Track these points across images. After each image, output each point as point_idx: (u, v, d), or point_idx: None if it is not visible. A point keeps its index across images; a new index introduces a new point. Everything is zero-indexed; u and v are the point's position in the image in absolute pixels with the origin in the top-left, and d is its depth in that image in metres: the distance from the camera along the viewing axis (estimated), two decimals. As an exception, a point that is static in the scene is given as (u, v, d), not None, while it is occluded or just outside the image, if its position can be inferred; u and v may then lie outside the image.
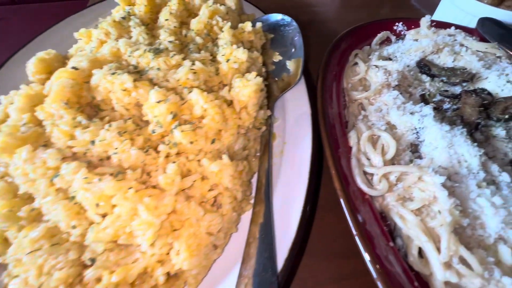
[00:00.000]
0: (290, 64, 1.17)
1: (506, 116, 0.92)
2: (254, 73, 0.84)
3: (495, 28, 1.32)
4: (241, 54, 0.93)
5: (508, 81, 1.01)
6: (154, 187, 0.65)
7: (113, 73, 0.80)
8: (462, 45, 1.19)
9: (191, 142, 0.70)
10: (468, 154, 0.82)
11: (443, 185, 0.76)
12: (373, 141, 0.91)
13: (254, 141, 0.92)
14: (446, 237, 0.66)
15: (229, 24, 1.08)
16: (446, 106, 1.02)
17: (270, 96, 1.09)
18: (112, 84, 0.79)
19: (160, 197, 0.61)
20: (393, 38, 1.39)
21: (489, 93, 0.99)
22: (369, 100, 1.05)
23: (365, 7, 2.00)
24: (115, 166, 0.69)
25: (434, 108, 1.03)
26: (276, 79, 1.16)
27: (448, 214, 0.69)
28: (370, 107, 1.00)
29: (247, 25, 1.11)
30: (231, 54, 0.94)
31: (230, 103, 0.82)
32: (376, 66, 1.15)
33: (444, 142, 0.84)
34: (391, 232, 0.77)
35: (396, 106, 0.98)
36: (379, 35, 1.37)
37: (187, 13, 1.23)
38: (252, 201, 0.81)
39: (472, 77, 1.05)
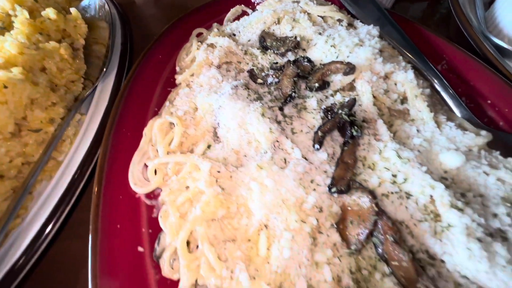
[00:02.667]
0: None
1: (317, 85, 0.84)
2: None
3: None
4: (9, 45, 0.80)
5: (332, 46, 0.92)
6: None
7: None
8: (304, 11, 1.09)
9: None
10: (258, 132, 0.73)
11: (216, 172, 0.67)
12: (171, 128, 0.81)
13: (38, 146, 0.80)
14: (183, 235, 0.57)
15: (25, 12, 0.94)
16: (270, 80, 0.92)
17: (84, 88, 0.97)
18: None
19: None
20: (250, 11, 1.28)
21: (310, 60, 0.90)
22: (188, 83, 0.94)
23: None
24: None
25: (261, 84, 0.94)
26: (105, 69, 1.03)
27: (199, 208, 0.60)
28: (181, 91, 0.89)
29: (49, 12, 0.97)
30: (2, 47, 0.81)
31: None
32: (210, 45, 1.04)
33: (235, 122, 0.75)
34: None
35: (209, 86, 0.87)
36: (232, 10, 1.24)
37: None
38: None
39: (296, 44, 0.96)
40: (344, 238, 0.62)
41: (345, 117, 0.74)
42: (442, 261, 0.57)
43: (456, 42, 1.03)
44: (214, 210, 0.61)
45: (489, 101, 0.88)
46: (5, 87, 0.70)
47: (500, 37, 1.15)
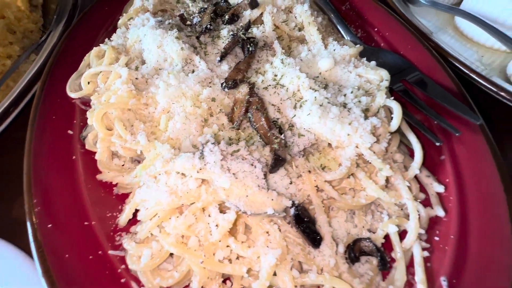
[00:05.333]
0: None
1: (227, 17, 1.01)
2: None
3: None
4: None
5: (246, -11, 1.09)
6: None
7: None
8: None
9: None
10: (172, 51, 0.90)
11: (135, 79, 0.85)
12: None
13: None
14: (97, 113, 0.75)
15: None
16: (195, 20, 1.09)
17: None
18: None
19: None
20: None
21: (226, 1, 1.08)
22: (127, 26, 1.11)
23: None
24: None
25: (189, 25, 1.11)
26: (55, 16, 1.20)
27: (113, 98, 0.78)
28: (119, 30, 1.06)
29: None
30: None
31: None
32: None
33: (154, 44, 0.92)
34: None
35: (141, 25, 1.04)
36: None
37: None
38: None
39: (217, -10, 1.14)
40: (230, 120, 0.79)
41: (243, 36, 0.91)
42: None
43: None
44: (126, 100, 0.78)
45: (376, 29, 1.06)
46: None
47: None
